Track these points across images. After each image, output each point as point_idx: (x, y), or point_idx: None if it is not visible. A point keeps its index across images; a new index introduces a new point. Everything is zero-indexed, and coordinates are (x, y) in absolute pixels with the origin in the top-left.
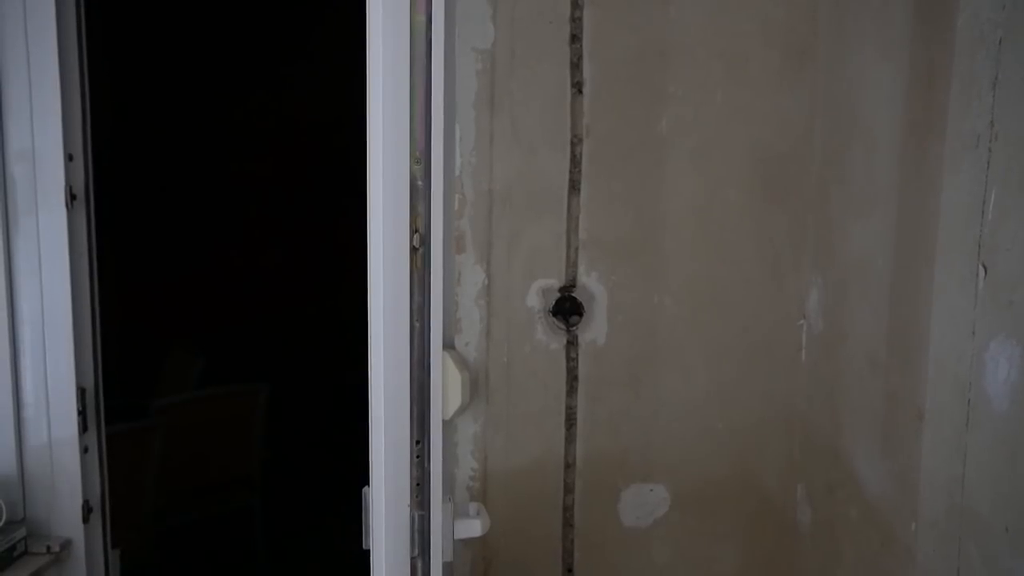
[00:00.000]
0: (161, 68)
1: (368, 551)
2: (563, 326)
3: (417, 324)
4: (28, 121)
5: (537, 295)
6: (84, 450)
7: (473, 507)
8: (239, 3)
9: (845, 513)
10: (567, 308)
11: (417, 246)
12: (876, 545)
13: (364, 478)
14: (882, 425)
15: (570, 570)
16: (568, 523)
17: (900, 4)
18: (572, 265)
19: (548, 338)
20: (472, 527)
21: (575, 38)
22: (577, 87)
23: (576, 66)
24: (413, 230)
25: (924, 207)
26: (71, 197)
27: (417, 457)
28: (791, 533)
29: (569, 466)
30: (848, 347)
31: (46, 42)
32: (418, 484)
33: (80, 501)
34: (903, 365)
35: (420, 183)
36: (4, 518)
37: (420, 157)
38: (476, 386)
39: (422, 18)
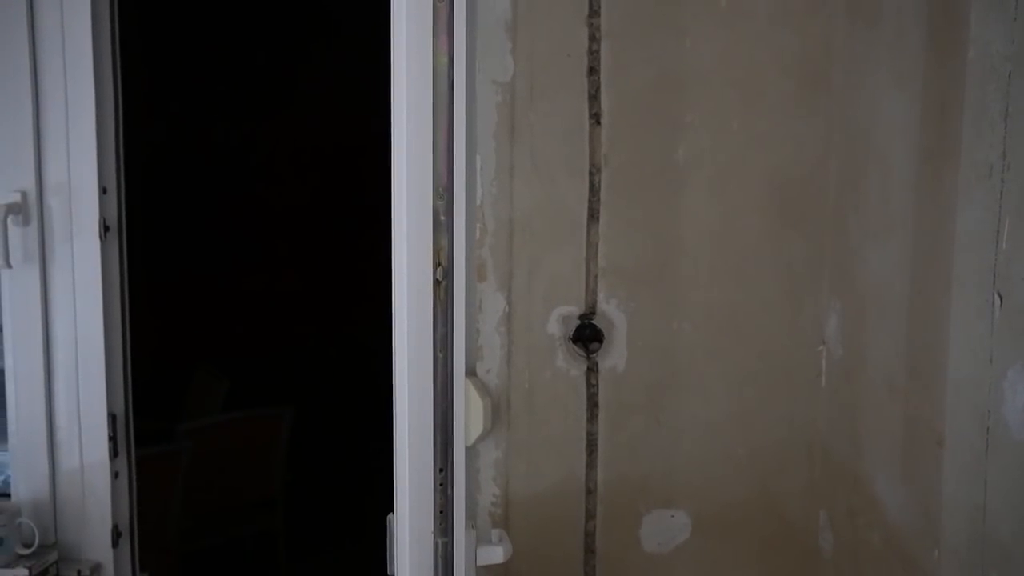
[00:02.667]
0: (189, 101)
1: None
2: (583, 353)
3: (440, 355)
4: (65, 156)
5: (557, 322)
6: (115, 475)
7: (496, 534)
8: (267, 40)
9: (867, 539)
10: (587, 335)
11: (440, 279)
12: (899, 572)
13: (387, 502)
14: (902, 451)
15: None
16: (590, 549)
17: (913, 35)
18: (591, 292)
19: (568, 364)
20: (494, 554)
21: (592, 70)
22: (595, 118)
23: (594, 97)
24: (436, 263)
25: (940, 235)
26: (104, 229)
27: (440, 485)
28: (814, 559)
29: (590, 492)
30: (867, 372)
31: (83, 82)
32: (441, 511)
33: (110, 525)
34: (922, 391)
35: (443, 218)
36: (37, 542)
37: (443, 193)
38: (498, 412)
39: (444, 59)
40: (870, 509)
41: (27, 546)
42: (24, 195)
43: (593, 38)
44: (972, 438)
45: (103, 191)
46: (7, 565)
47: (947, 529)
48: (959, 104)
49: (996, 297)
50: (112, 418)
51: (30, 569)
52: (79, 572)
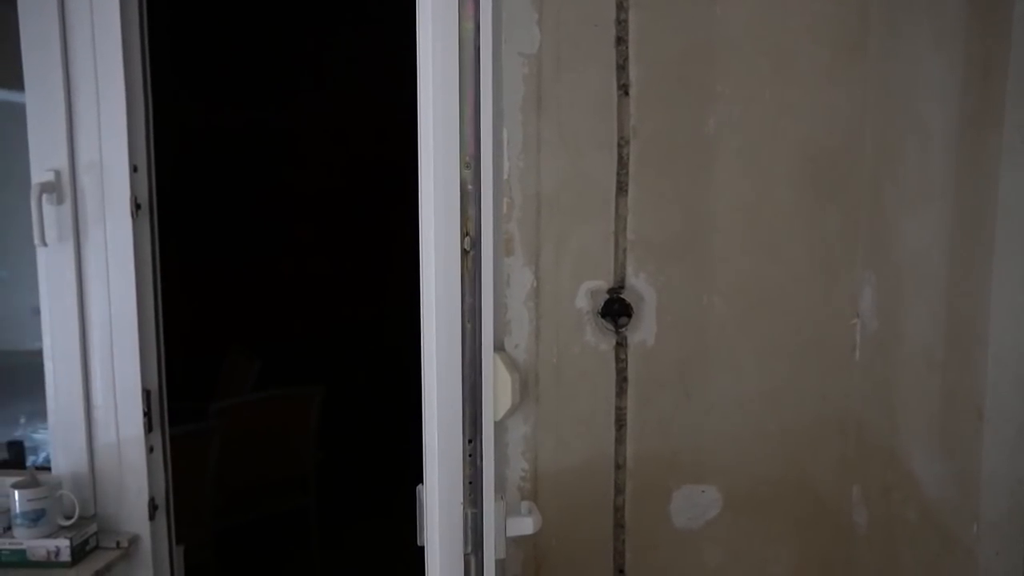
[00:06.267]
0: (220, 81)
1: (422, 548)
2: (612, 327)
3: (468, 325)
4: (96, 135)
5: (586, 296)
6: (149, 450)
7: (525, 505)
8: (297, 21)
9: (903, 515)
10: (616, 309)
11: (468, 249)
12: (935, 547)
13: (417, 478)
14: (940, 425)
15: (621, 571)
16: (619, 524)
17: None
18: (620, 266)
19: (597, 339)
20: (524, 525)
21: (620, 40)
22: (623, 89)
23: (622, 68)
24: (464, 233)
25: (981, 201)
26: (136, 207)
27: (469, 456)
28: (847, 535)
29: (620, 467)
30: (904, 345)
31: (113, 63)
32: (471, 482)
33: (146, 498)
34: (961, 363)
35: (470, 187)
36: (77, 514)
37: (470, 162)
38: (526, 387)
39: (470, 25)
40: (906, 484)
41: (67, 518)
42: (57, 174)
43: (621, 7)
44: (1014, 410)
45: (134, 169)
46: (49, 535)
47: (987, 503)
48: (1004, 63)
49: None
50: (146, 394)
51: (71, 540)
52: (118, 543)
